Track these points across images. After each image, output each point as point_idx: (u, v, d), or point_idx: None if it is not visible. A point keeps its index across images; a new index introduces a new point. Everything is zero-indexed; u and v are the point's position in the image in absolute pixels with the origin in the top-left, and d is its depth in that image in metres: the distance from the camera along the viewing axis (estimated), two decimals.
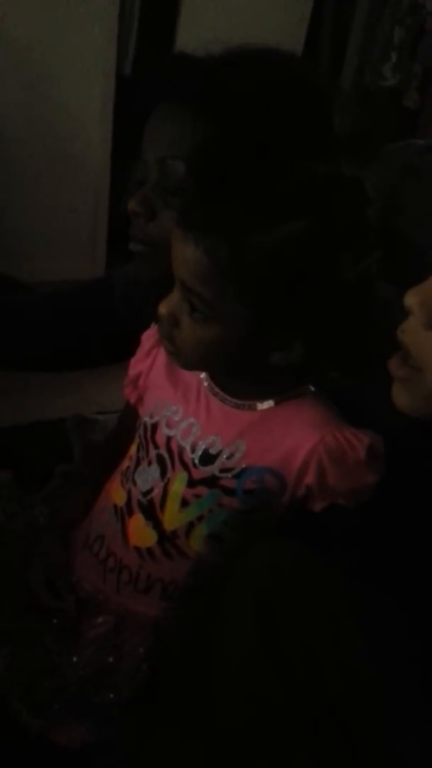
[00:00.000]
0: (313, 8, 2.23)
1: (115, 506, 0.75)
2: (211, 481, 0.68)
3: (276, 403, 0.67)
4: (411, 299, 0.51)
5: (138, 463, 0.74)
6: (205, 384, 0.70)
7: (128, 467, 0.75)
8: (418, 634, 0.64)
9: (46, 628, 0.75)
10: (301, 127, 0.66)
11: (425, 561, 0.67)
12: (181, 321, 0.62)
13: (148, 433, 0.73)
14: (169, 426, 0.71)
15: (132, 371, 0.78)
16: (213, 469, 0.68)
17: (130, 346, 0.78)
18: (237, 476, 0.67)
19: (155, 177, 0.70)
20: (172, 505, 0.70)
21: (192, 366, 0.69)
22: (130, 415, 0.81)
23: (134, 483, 0.73)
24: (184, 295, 0.61)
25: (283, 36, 2.09)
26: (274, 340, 0.62)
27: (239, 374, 0.68)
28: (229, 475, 0.68)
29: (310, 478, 0.65)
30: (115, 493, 0.76)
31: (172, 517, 0.70)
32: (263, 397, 0.67)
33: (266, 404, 0.67)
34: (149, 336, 0.76)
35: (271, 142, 0.60)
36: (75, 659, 0.73)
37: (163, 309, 0.63)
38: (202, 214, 0.59)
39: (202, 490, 0.69)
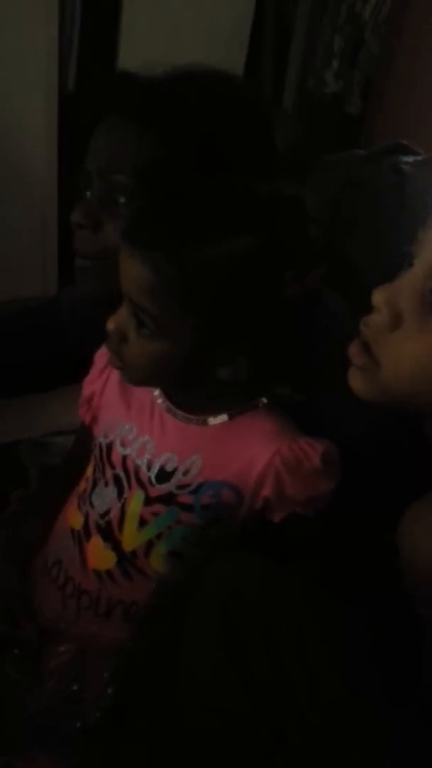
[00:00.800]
0: (254, 20, 2.25)
1: (72, 530, 0.74)
2: (168, 499, 0.68)
3: (230, 417, 0.67)
4: (378, 297, 0.52)
5: (95, 485, 0.73)
6: (159, 401, 0.70)
7: (85, 489, 0.74)
8: (377, 638, 0.65)
9: (7, 659, 0.73)
10: (243, 147, 0.67)
11: (382, 564, 0.67)
12: (129, 336, 0.62)
13: (104, 454, 0.72)
14: (123, 445, 0.71)
15: (85, 391, 0.77)
16: (170, 486, 0.68)
17: (80, 367, 0.77)
18: (194, 491, 0.67)
19: (99, 189, 0.70)
20: (131, 524, 0.69)
21: (140, 381, 0.69)
22: (85, 435, 0.80)
23: (91, 505, 0.72)
24: (132, 311, 0.61)
25: (225, 47, 2.10)
26: (219, 355, 0.62)
27: (189, 389, 0.68)
28: (186, 491, 0.67)
29: (267, 490, 0.66)
30: (72, 517, 0.75)
31: (131, 537, 0.70)
32: (216, 412, 0.68)
33: (220, 418, 0.67)
34: (102, 355, 0.76)
35: (215, 161, 0.61)
36: (39, 689, 0.71)
37: (111, 325, 0.63)
38: (148, 231, 0.60)
39: (159, 507, 0.68)
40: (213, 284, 0.58)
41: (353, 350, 0.55)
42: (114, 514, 0.70)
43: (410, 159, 0.96)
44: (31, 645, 0.74)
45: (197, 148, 0.65)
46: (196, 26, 2.02)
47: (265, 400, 0.68)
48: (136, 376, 0.67)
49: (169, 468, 0.68)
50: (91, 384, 0.77)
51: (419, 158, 0.98)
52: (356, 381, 0.55)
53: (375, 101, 2.35)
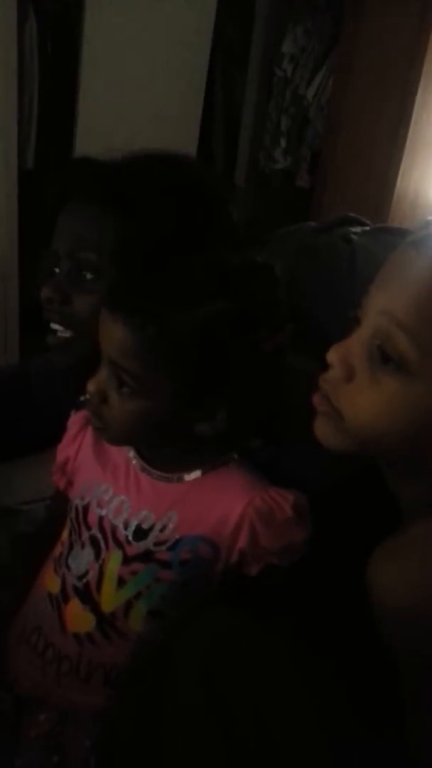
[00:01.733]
0: (204, 105, 2.40)
1: (50, 594, 0.74)
2: (145, 556, 0.69)
3: (203, 473, 0.70)
4: (333, 355, 0.57)
5: (71, 548, 0.73)
6: (133, 461, 0.72)
7: (61, 553, 0.75)
8: (353, 694, 0.65)
9: None
10: (201, 224, 0.72)
11: (356, 616, 0.69)
12: (110, 396, 0.65)
13: (80, 516, 0.73)
14: (100, 506, 0.72)
15: (60, 457, 0.79)
16: (147, 543, 0.69)
17: (49, 436, 0.79)
18: (171, 548, 0.69)
19: (66, 267, 0.74)
20: (109, 585, 0.70)
21: (120, 440, 0.71)
22: (59, 501, 0.81)
23: (68, 568, 0.73)
24: (113, 371, 0.64)
25: (178, 131, 2.23)
26: (198, 411, 0.65)
27: (166, 446, 0.70)
28: (164, 547, 0.69)
29: (242, 543, 0.67)
30: (49, 581, 0.75)
31: (110, 598, 0.70)
32: (190, 468, 0.70)
33: (194, 475, 0.70)
34: (75, 421, 0.78)
35: (177, 237, 0.65)
36: (18, 762, 0.70)
37: (91, 386, 0.66)
38: (129, 297, 0.64)
39: (137, 566, 0.69)
40: (192, 343, 0.61)
41: (316, 399, 0.59)
42: (92, 576, 0.71)
43: (358, 229, 1.04)
44: (7, 716, 0.72)
45: (158, 227, 0.70)
46: (150, 108, 2.15)
47: (236, 456, 0.71)
48: (116, 435, 0.69)
49: (146, 526, 0.69)
50: (65, 449, 0.78)
51: (366, 228, 1.06)
52: (322, 429, 0.59)
53: (321, 175, 2.50)
